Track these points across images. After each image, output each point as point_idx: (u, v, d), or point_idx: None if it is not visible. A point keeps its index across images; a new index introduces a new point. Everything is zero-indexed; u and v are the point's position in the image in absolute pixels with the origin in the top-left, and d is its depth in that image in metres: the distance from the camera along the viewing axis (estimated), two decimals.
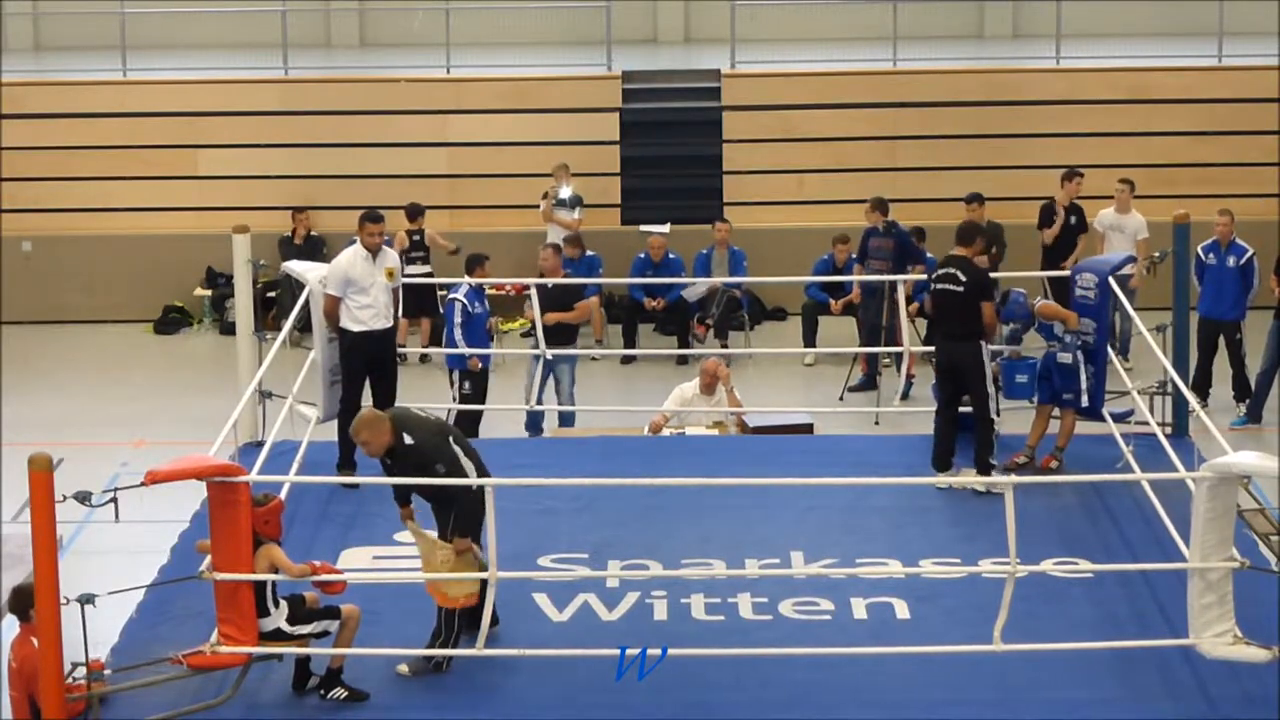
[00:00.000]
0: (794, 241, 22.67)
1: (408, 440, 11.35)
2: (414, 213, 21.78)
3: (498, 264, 18.02)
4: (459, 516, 11.31)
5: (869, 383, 19.90)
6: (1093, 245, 20.60)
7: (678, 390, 16.66)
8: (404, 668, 11.38)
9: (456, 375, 16.93)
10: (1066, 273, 15.62)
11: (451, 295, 16.92)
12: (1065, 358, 14.45)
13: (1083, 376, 14.47)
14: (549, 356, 17.03)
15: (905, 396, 18.86)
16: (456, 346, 16.73)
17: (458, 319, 16.75)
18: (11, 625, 10.94)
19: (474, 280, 16.88)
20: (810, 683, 11.21)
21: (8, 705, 10.77)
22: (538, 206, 22.46)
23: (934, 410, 14.54)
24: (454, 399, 16.75)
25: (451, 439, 11.55)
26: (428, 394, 17.41)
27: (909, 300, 19.09)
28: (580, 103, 24.04)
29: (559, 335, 17.29)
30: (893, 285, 17.79)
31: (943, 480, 14.07)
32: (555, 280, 17.76)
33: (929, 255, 20.01)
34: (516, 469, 13.75)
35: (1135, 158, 23.07)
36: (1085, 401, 14.54)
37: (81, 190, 23.79)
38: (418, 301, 20.77)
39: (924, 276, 19.48)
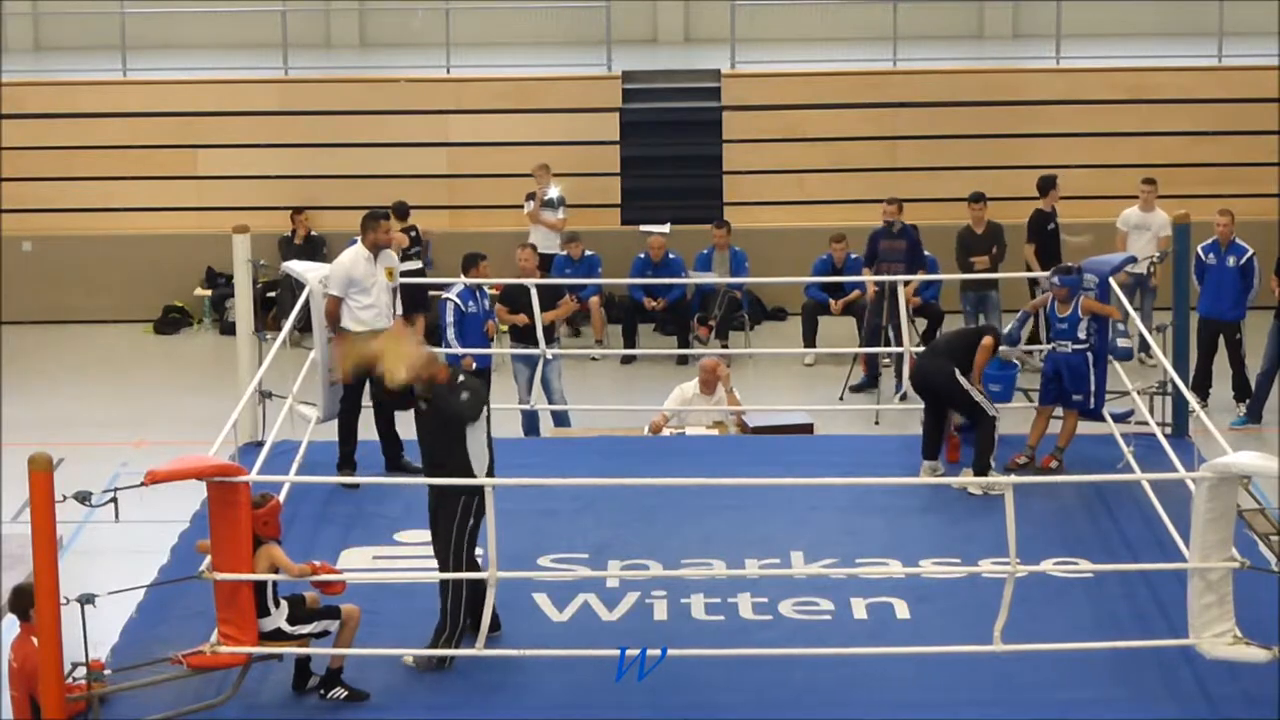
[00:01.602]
0: (794, 241, 22.63)
1: (460, 379, 11.56)
2: (404, 211, 21.83)
3: (497, 264, 17.93)
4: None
5: (869, 382, 19.89)
6: (1115, 244, 20.51)
7: (678, 390, 16.63)
8: (409, 658, 11.39)
9: None
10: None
11: (445, 295, 16.81)
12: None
13: (1092, 378, 14.48)
14: (549, 356, 16.99)
15: (905, 396, 18.82)
16: (450, 346, 16.58)
17: (449, 318, 16.58)
18: (11, 625, 10.94)
19: (468, 280, 16.69)
20: (810, 683, 11.22)
21: (8, 705, 10.77)
22: (524, 208, 22.47)
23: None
24: None
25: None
26: None
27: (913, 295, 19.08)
28: (580, 103, 24.02)
29: (534, 336, 16.78)
30: (895, 286, 17.73)
31: (943, 480, 14.08)
32: (558, 281, 17.63)
33: (929, 254, 20.00)
34: (516, 469, 13.71)
35: (1135, 158, 23.04)
36: (1092, 404, 14.56)
37: (81, 190, 23.76)
38: (411, 299, 20.69)
39: (927, 277, 19.54)
